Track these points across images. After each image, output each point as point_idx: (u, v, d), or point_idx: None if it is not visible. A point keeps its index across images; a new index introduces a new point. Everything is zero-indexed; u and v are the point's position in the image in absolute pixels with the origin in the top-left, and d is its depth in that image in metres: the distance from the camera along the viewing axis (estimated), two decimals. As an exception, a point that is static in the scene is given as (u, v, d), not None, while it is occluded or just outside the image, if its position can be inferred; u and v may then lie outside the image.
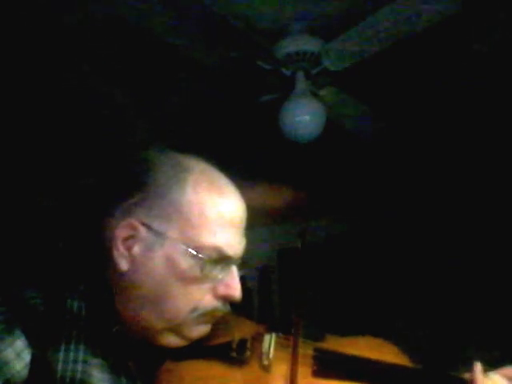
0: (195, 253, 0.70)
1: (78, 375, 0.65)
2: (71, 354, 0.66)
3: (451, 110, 2.79)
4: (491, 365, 0.76)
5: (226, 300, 0.75)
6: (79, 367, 0.66)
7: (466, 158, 3.37)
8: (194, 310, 0.72)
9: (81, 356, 0.66)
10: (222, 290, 0.73)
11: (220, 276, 0.73)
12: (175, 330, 0.73)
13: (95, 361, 0.67)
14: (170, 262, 0.70)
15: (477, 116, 2.85)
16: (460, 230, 3.85)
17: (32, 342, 0.64)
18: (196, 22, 1.85)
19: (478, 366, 0.74)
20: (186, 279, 0.71)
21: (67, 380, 0.64)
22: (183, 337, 0.74)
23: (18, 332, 0.64)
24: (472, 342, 3.06)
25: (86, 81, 2.39)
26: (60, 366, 0.64)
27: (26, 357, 0.63)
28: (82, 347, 0.67)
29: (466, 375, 0.74)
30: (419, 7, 1.77)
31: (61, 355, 0.65)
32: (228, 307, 0.76)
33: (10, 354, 0.63)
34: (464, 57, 2.30)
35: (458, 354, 2.82)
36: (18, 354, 0.63)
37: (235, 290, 0.74)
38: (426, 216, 4.04)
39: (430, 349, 3.03)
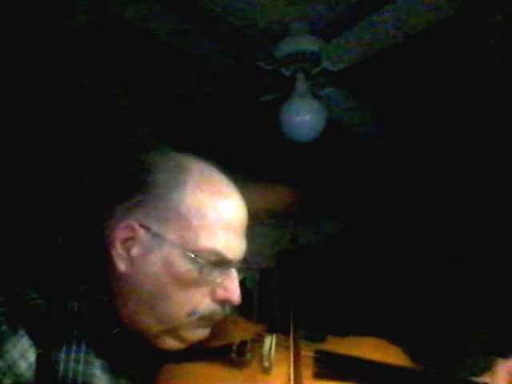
0: (193, 256, 0.69)
1: (80, 376, 0.65)
2: (73, 355, 0.66)
3: (451, 110, 2.79)
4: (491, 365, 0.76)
5: (225, 304, 0.74)
6: (81, 368, 0.65)
7: (465, 158, 3.36)
8: (192, 313, 0.71)
9: (82, 357, 0.66)
10: (220, 294, 0.72)
11: (219, 279, 0.72)
12: (173, 333, 0.72)
13: (96, 362, 0.67)
14: (168, 264, 0.70)
15: (476, 116, 2.85)
16: (459, 229, 3.85)
17: (36, 342, 0.64)
18: (196, 21, 1.85)
19: (501, 364, 0.72)
20: (184, 282, 0.70)
21: (69, 380, 0.64)
22: (182, 340, 0.73)
23: (21, 332, 0.64)
24: (472, 342, 3.06)
25: (87, 81, 2.39)
26: (62, 367, 0.64)
27: (31, 357, 0.63)
28: (83, 348, 0.67)
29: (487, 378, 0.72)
30: (419, 8, 1.77)
31: (62, 356, 0.65)
32: (227, 311, 0.75)
33: (15, 354, 0.63)
34: (463, 57, 2.30)
35: (458, 355, 2.82)
36: (23, 354, 0.63)
37: (234, 294, 0.73)
38: (425, 216, 4.03)
39: (430, 349, 3.02)
